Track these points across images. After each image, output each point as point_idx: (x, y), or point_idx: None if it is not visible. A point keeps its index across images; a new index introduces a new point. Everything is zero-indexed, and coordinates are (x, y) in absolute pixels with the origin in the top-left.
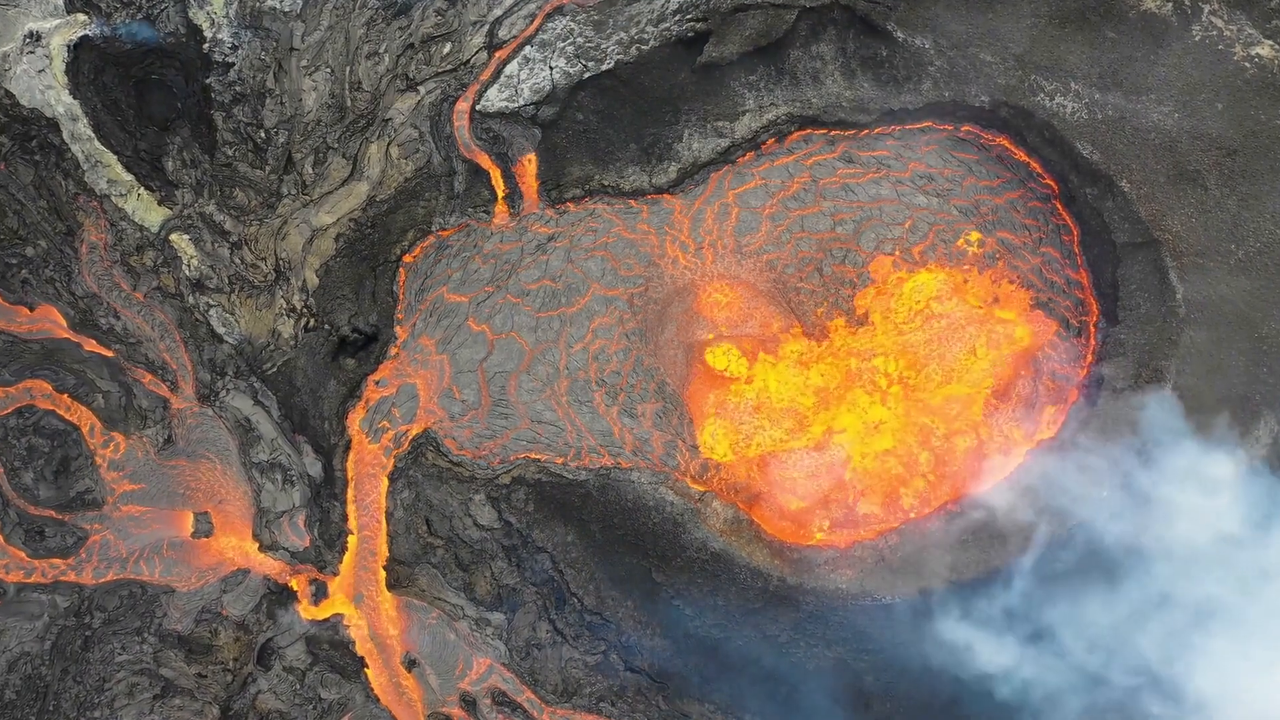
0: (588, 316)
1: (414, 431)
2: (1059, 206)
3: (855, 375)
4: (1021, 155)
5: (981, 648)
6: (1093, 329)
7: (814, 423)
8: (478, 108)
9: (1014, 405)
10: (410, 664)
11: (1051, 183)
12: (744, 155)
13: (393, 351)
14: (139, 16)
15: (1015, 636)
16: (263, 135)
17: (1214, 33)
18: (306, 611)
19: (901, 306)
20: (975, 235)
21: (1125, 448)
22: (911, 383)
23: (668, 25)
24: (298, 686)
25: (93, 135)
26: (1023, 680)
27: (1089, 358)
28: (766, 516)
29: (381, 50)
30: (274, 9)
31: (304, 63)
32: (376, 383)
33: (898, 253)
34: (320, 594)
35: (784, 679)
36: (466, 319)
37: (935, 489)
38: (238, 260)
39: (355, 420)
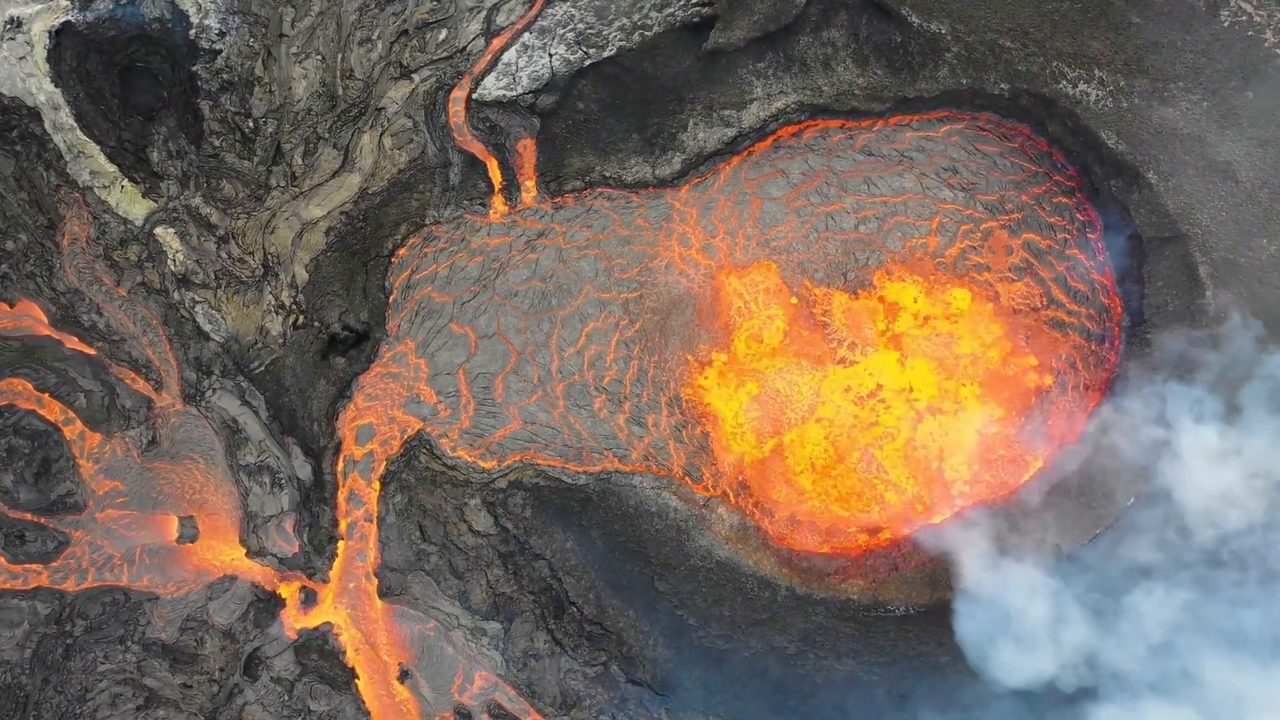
0: (580, 320)
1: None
2: (1082, 200)
3: (876, 391)
4: (1043, 146)
5: (1000, 661)
6: (1116, 329)
7: (837, 438)
8: (474, 96)
9: (1034, 410)
10: (403, 675)
11: (1074, 175)
12: (755, 146)
13: (383, 350)
14: (123, 1)
15: (1035, 649)
16: (251, 125)
17: (1243, 18)
18: (295, 620)
19: (926, 329)
20: (1002, 239)
21: (1151, 452)
22: (928, 389)
23: (672, 10)
24: (286, 698)
25: (75, 125)
26: (1045, 694)
27: (1113, 359)
28: (788, 534)
29: (374, 37)
30: None
31: (294, 49)
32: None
33: (927, 260)
34: (309, 602)
35: (792, 692)
36: (449, 321)
37: (951, 497)
38: (224, 255)
39: (346, 422)
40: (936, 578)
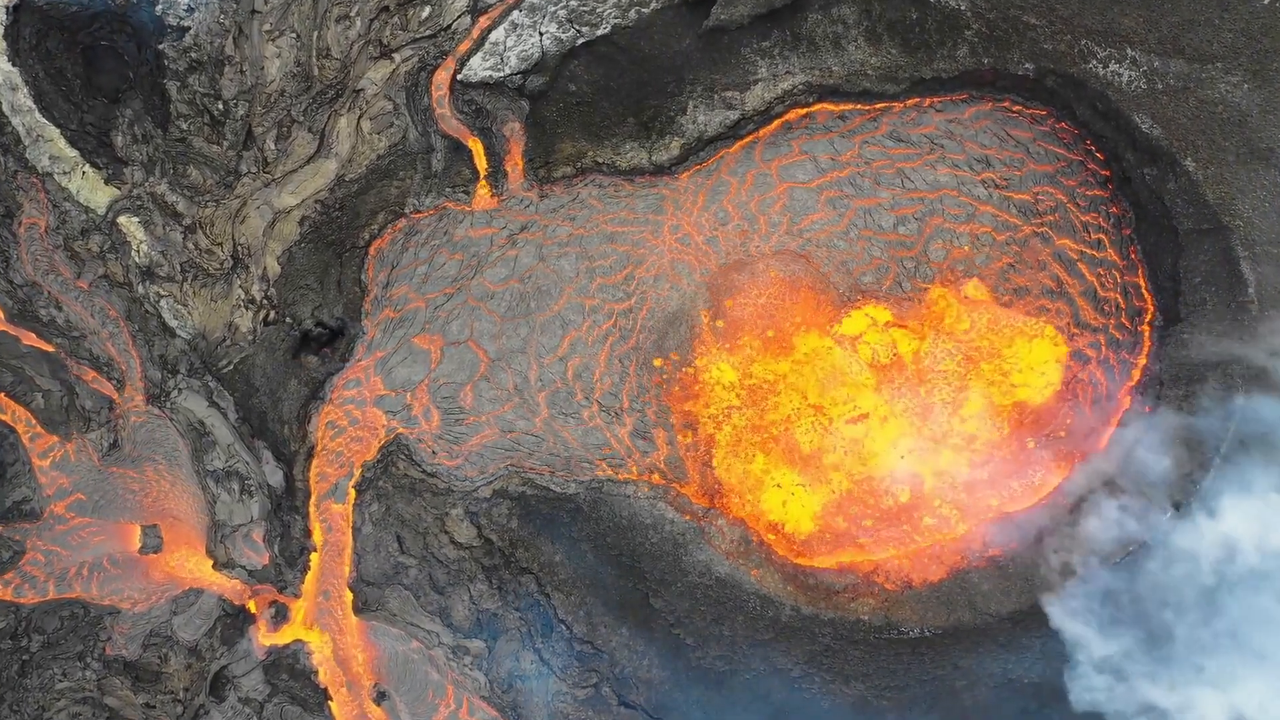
0: (562, 326)
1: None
2: (1115, 192)
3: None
4: (1073, 130)
5: (1016, 684)
6: (1148, 329)
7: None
8: (459, 77)
9: (1056, 418)
10: (379, 696)
11: (1104, 160)
12: (760, 130)
13: (359, 351)
14: None
15: (1056, 672)
16: (220, 107)
17: None
18: (265, 637)
19: (964, 362)
20: (1036, 249)
21: (1186, 461)
22: (957, 414)
23: None
24: None
25: (34, 107)
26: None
27: (1143, 360)
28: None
29: (353, 13)
30: None
31: (267, 27)
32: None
33: (966, 281)
34: (280, 617)
35: (796, 717)
36: (417, 332)
37: (967, 510)
38: (191, 245)
39: (319, 424)
40: (952, 598)
